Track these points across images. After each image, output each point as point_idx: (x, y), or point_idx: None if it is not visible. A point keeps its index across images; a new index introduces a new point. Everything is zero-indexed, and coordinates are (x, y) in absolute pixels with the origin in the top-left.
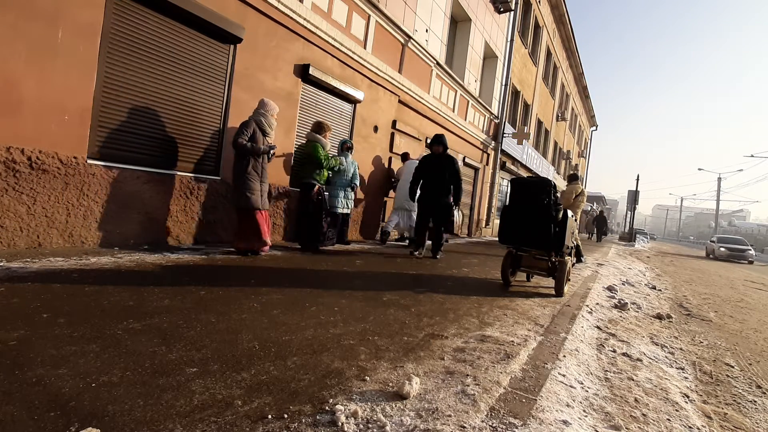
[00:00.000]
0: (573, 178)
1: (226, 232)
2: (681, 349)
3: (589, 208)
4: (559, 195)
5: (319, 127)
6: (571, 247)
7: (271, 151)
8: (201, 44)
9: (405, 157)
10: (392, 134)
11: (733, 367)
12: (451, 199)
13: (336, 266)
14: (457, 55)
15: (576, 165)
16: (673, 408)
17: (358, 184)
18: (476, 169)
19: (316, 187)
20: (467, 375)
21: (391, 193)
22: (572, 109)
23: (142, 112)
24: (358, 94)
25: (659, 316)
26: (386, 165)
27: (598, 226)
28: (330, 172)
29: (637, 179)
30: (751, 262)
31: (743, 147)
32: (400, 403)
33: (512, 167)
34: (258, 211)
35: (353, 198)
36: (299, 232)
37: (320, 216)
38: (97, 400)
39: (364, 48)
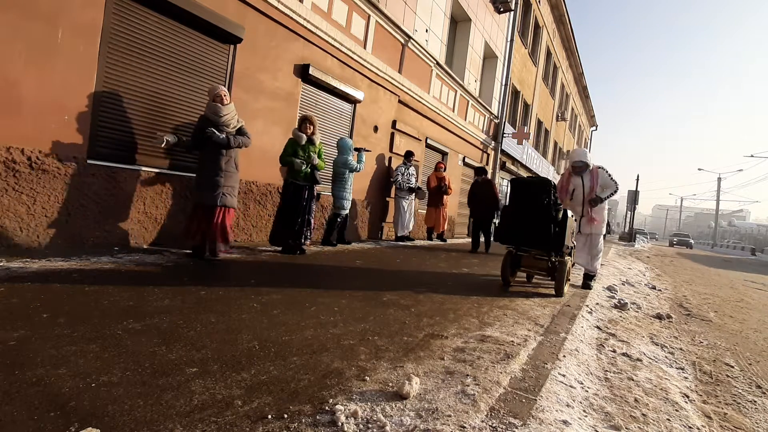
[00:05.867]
0: None
1: None
2: (681, 349)
3: None
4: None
5: (299, 122)
6: (571, 248)
7: (164, 141)
8: (201, 44)
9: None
10: (392, 134)
11: (733, 367)
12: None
13: (336, 266)
14: (457, 55)
15: None
16: (673, 408)
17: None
18: None
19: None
20: (467, 375)
21: (392, 192)
22: (572, 109)
23: (142, 112)
24: (358, 94)
25: (659, 316)
26: (386, 165)
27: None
28: (315, 170)
29: (637, 179)
30: None
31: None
32: (400, 403)
33: (512, 167)
34: (199, 206)
35: None
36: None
37: (282, 212)
38: (97, 400)
39: (364, 48)
